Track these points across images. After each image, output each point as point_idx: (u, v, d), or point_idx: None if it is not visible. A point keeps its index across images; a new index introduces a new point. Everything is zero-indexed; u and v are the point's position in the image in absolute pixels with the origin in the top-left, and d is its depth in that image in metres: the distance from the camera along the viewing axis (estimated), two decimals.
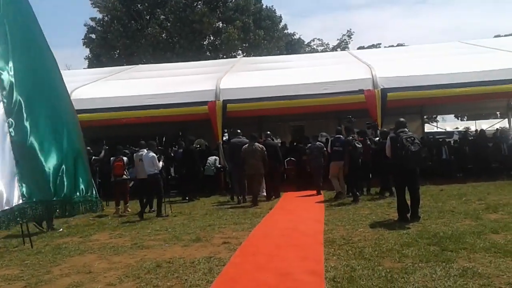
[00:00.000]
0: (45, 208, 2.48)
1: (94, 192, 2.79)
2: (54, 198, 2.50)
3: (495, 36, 35.41)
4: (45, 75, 2.60)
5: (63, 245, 7.19)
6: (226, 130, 13.60)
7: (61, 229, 8.76)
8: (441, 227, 6.70)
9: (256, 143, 10.87)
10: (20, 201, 2.33)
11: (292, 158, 14.19)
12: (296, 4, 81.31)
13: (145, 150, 9.92)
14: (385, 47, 41.63)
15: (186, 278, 4.97)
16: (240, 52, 36.17)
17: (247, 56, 31.37)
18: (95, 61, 35.41)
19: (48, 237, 7.94)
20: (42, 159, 2.47)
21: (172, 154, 13.98)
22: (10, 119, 2.33)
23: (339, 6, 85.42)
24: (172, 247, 6.57)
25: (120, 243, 7.00)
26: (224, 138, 14.30)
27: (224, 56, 33.08)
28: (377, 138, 11.32)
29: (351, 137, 10.42)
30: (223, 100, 13.67)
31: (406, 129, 7.51)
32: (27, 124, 2.35)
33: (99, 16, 36.44)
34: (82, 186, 2.68)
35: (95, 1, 35.75)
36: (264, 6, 37.32)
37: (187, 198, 12.07)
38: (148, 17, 35.62)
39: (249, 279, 4.91)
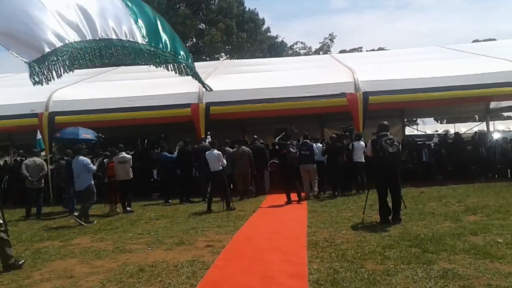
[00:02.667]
0: (160, 55, 2.75)
1: (190, 61, 3.35)
2: (164, 49, 2.74)
3: (474, 41, 36.23)
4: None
5: (43, 249, 7.06)
6: (209, 133, 13.55)
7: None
8: (422, 229, 6.81)
9: (243, 147, 11.34)
10: (143, 42, 2.51)
11: (275, 161, 14.21)
12: (279, 7, 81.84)
13: (123, 153, 10.86)
14: (366, 50, 42.13)
15: (170, 282, 4.93)
16: (223, 54, 36.13)
17: (230, 59, 31.34)
18: None
19: (28, 241, 7.78)
20: (154, 26, 2.89)
21: (155, 157, 13.88)
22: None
23: (321, 10, 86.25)
24: (155, 251, 6.52)
25: (102, 247, 6.90)
26: (207, 140, 14.24)
27: (207, 58, 32.97)
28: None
29: (289, 142, 11.29)
30: (206, 103, 13.65)
31: (387, 132, 7.62)
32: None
33: None
34: (182, 53, 3.14)
35: None
36: (247, 9, 37.41)
37: (170, 201, 11.98)
38: None
39: (233, 283, 4.89)
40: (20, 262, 6.02)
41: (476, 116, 25.32)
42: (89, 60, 2.29)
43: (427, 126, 34.41)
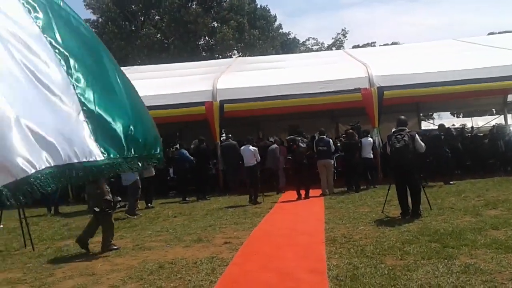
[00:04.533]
0: (123, 164, 2.47)
1: (159, 149, 2.84)
2: (129, 155, 2.48)
3: (489, 34, 35.60)
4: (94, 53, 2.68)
5: (65, 247, 7.18)
6: (223, 130, 13.64)
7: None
8: (442, 224, 6.75)
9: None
10: (102, 158, 2.29)
11: (289, 157, 14.21)
12: (290, 3, 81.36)
13: None
14: (380, 45, 41.76)
15: (189, 278, 4.98)
16: (235, 52, 36.17)
17: (242, 56, 31.36)
18: None
19: (50, 240, 7.92)
20: (110, 120, 2.50)
21: (170, 155, 13.96)
22: (73, 81, 2.37)
23: (333, 5, 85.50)
24: (173, 248, 6.58)
25: (121, 244, 6.98)
26: (222, 138, 14.34)
27: (220, 56, 33.05)
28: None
29: (299, 138, 11.47)
30: (220, 101, 13.69)
31: (405, 127, 7.59)
32: (89, 89, 2.39)
33: (93, 17, 36.35)
34: (150, 143, 2.72)
35: (89, 3, 35.61)
36: (258, 6, 37.33)
37: (187, 198, 12.07)
38: (142, 18, 35.58)
39: (252, 279, 4.92)
40: None
41: (494, 109, 24.96)
42: (53, 186, 2.18)
43: (444, 120, 33.93)
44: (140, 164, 2.59)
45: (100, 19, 35.44)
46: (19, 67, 2.16)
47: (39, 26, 2.38)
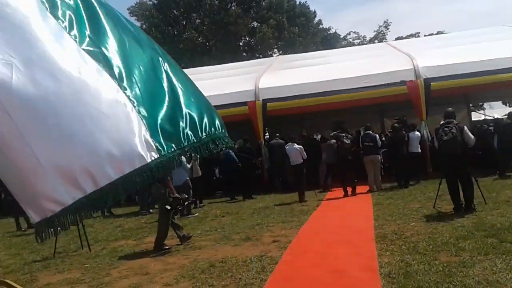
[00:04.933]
0: (178, 156, 2.31)
1: (219, 128, 2.55)
2: (186, 143, 2.29)
3: None
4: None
5: (119, 248, 7.47)
6: (267, 129, 13.67)
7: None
8: (498, 218, 6.46)
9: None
10: (156, 156, 2.15)
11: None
12: None
13: None
14: (424, 35, 40.37)
15: (240, 277, 5.05)
16: (275, 50, 36.17)
17: (283, 54, 31.30)
18: None
19: (104, 241, 8.26)
20: (162, 109, 2.33)
21: (215, 156, 14.15)
22: (122, 84, 2.25)
23: None
24: (223, 247, 6.69)
25: (172, 244, 7.18)
26: (265, 137, 14.41)
27: (260, 56, 33.15)
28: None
29: (343, 134, 11.35)
30: (263, 100, 13.74)
31: (452, 120, 7.35)
32: (136, 86, 2.25)
33: (138, 24, 37.42)
34: (206, 125, 2.46)
35: (133, 10, 36.74)
36: (297, 3, 37.09)
37: (235, 198, 12.22)
38: (184, 22, 36.28)
39: (303, 277, 4.93)
40: None
41: None
42: (92, 211, 2.14)
43: (495, 111, 32.40)
44: (202, 150, 2.42)
45: (144, 26, 36.44)
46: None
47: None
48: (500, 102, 32.31)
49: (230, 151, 12.87)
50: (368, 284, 4.48)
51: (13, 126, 1.89)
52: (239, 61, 25.57)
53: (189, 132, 2.32)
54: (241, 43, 36.49)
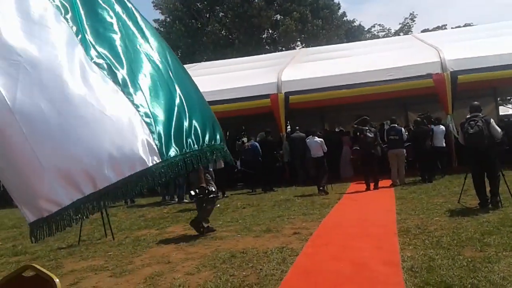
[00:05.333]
0: (180, 161, 2.28)
1: (219, 140, 2.53)
2: (188, 150, 2.27)
3: None
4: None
5: (142, 237, 7.59)
6: (288, 122, 13.64)
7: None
8: None
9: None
10: (159, 160, 2.14)
11: (357, 148, 13.95)
12: None
13: None
14: (451, 28, 39.41)
15: (261, 268, 5.06)
16: (298, 43, 35.89)
17: (306, 47, 31.04)
18: None
19: (128, 230, 8.41)
20: (166, 114, 2.31)
21: (237, 149, 14.22)
22: (126, 89, 2.24)
23: None
24: (244, 238, 6.72)
25: (194, 234, 7.25)
26: (287, 130, 14.38)
27: (283, 49, 32.97)
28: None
29: (366, 127, 11.16)
30: (285, 93, 13.70)
31: (479, 113, 7.19)
32: (140, 91, 2.24)
33: (162, 17, 37.72)
34: (207, 135, 2.44)
35: (157, 3, 37.01)
36: None
37: (255, 190, 12.25)
38: (207, 15, 36.33)
39: (324, 269, 4.91)
40: None
41: None
42: (87, 215, 2.12)
43: None
44: (202, 158, 2.42)
45: (168, 19, 36.69)
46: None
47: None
48: None
49: (256, 143, 12.92)
50: (390, 278, 4.43)
51: (15, 125, 1.88)
52: (262, 54, 25.51)
53: (191, 140, 2.32)
54: (264, 36, 36.31)
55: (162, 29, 35.57)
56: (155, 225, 8.62)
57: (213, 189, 7.35)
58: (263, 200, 10.50)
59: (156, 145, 2.12)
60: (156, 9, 37.63)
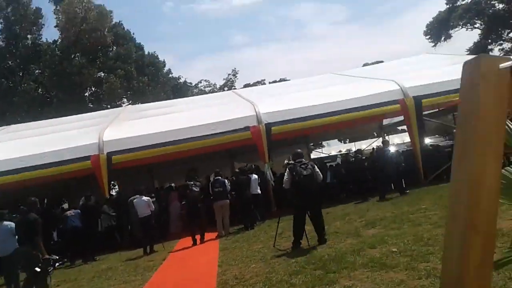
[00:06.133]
0: None
1: None
2: None
3: (364, 65, 39.37)
4: None
5: None
6: (113, 183, 13.00)
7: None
8: (326, 249, 6.99)
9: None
10: None
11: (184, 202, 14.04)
12: (181, 47, 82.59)
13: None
14: (269, 82, 43.79)
15: None
16: (125, 100, 35.29)
17: (133, 104, 30.71)
18: None
19: None
20: None
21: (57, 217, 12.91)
22: None
23: (222, 46, 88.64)
24: None
25: None
26: (113, 191, 13.67)
27: (109, 106, 31.94)
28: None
29: (192, 182, 11.51)
30: (108, 153, 13.11)
31: (302, 159, 8.04)
32: None
33: None
34: None
35: None
36: (146, 53, 37.13)
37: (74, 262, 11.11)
38: (21, 74, 33.33)
39: None
40: None
41: (374, 133, 27.22)
42: None
43: (332, 148, 36.29)
44: None
45: None
46: None
47: None
48: (336, 140, 36.23)
49: (78, 210, 11.96)
50: None
51: None
52: (84, 112, 24.23)
53: None
54: (87, 94, 34.79)
55: None
56: None
57: (56, 257, 6.69)
58: (81, 273, 9.56)
59: None
60: None
